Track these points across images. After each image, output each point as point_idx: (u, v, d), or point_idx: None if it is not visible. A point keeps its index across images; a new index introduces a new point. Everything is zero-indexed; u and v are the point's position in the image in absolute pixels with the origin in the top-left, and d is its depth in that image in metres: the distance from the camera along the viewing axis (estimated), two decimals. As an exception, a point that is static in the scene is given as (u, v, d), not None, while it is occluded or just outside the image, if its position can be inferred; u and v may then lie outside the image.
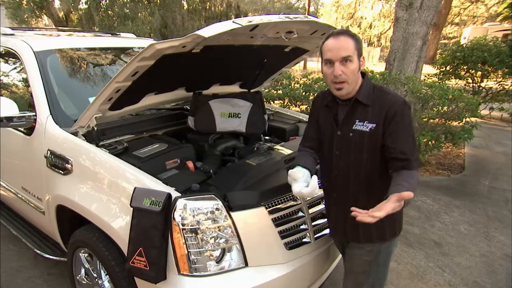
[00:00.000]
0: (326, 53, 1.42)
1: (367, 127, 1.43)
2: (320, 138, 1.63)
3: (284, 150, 2.10)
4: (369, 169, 1.48)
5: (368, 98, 1.45)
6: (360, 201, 1.44)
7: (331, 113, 1.55)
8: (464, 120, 4.49)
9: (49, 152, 1.92)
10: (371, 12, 24.03)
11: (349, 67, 1.38)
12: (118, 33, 3.39)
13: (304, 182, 1.47)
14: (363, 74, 1.50)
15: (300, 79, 5.39)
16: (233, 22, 1.43)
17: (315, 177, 1.47)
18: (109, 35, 3.31)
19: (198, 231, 1.44)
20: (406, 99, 4.38)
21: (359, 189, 1.52)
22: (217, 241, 1.48)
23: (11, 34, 2.56)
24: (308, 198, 1.74)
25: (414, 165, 1.37)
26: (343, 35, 1.40)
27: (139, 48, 2.91)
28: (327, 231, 1.84)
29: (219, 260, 1.50)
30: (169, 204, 1.42)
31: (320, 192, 1.75)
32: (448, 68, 7.44)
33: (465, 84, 7.56)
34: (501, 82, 7.37)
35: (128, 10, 11.15)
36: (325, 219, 1.86)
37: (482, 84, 7.49)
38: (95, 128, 1.90)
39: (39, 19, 11.82)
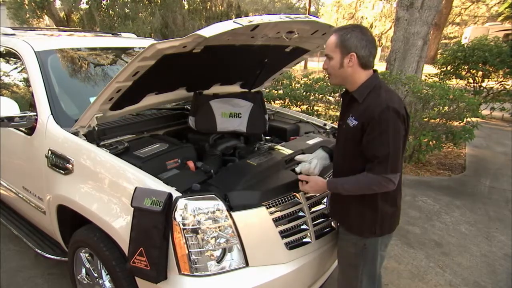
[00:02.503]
0: None
1: (352, 123, 1.50)
2: None
3: (285, 150, 2.10)
4: (351, 161, 1.56)
5: (361, 96, 1.50)
6: None
7: (342, 105, 1.71)
8: (465, 120, 4.49)
9: (50, 152, 1.92)
10: (372, 12, 23.99)
11: (330, 63, 1.54)
12: (119, 33, 3.39)
13: (308, 163, 1.70)
14: (374, 71, 1.55)
15: (301, 79, 5.38)
16: (234, 22, 1.43)
17: (314, 160, 1.70)
18: (110, 35, 3.32)
19: (199, 231, 1.44)
20: (407, 99, 4.44)
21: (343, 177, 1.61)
22: (217, 241, 1.48)
23: (12, 34, 2.56)
24: (308, 194, 1.78)
25: (376, 170, 1.43)
26: (332, 34, 1.52)
27: (139, 48, 2.91)
28: (327, 230, 1.84)
29: (219, 260, 1.50)
30: (169, 204, 1.42)
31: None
32: (449, 68, 7.44)
33: (466, 84, 7.56)
34: (502, 82, 7.37)
35: (129, 10, 11.15)
36: (326, 219, 1.87)
37: (483, 84, 7.49)
38: (96, 128, 1.90)
39: (40, 19, 11.82)
